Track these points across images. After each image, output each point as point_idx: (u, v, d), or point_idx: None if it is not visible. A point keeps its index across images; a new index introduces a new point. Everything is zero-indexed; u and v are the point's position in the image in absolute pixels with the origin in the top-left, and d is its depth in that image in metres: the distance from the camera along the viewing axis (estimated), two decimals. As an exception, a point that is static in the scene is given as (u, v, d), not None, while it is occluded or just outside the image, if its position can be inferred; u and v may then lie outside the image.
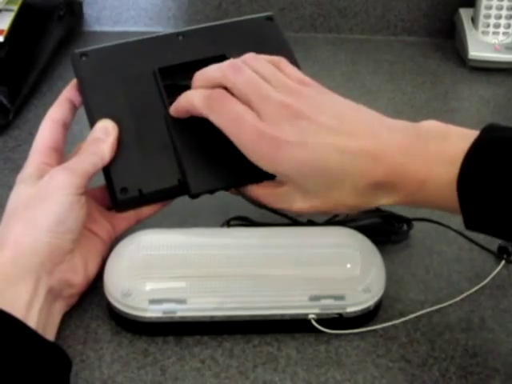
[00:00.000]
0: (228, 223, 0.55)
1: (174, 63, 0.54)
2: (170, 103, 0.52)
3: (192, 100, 0.49)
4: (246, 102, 0.48)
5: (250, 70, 0.49)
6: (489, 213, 0.43)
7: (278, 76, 0.49)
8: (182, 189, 0.50)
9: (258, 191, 0.50)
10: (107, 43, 0.55)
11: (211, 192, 0.50)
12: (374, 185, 0.46)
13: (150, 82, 0.53)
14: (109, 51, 0.54)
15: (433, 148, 0.45)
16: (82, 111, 0.53)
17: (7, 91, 0.69)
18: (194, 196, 0.49)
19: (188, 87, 0.51)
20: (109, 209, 0.53)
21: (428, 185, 0.45)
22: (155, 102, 0.52)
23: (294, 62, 0.55)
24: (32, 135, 0.68)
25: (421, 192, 0.45)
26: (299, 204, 0.48)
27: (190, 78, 0.52)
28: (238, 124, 0.47)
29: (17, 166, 0.63)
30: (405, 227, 0.57)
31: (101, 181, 0.51)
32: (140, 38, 0.55)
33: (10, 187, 0.58)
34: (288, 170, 0.47)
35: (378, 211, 0.56)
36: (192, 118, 0.50)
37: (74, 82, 0.53)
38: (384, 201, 0.47)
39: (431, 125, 0.46)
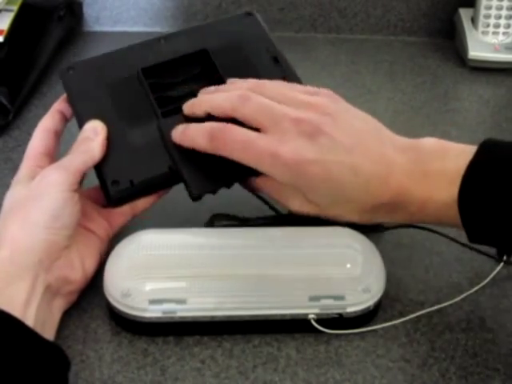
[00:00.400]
0: (212, 221, 0.55)
1: (156, 62, 0.55)
2: (156, 99, 0.53)
3: (196, 140, 0.49)
4: (260, 127, 0.48)
5: (258, 95, 0.49)
6: (491, 227, 0.45)
7: (287, 93, 0.49)
8: (173, 176, 0.51)
9: (262, 182, 0.50)
10: (93, 56, 0.57)
11: (213, 192, 0.50)
12: (378, 205, 0.47)
13: (134, 84, 0.54)
14: (94, 62, 0.56)
15: (433, 168, 0.46)
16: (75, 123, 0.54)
17: (7, 91, 0.69)
18: (196, 198, 0.50)
19: (171, 84, 0.54)
20: (104, 206, 0.53)
21: (428, 205, 0.46)
22: (141, 100, 0.54)
23: (278, 53, 0.56)
24: (32, 135, 0.68)
25: (421, 212, 0.47)
26: (298, 205, 0.49)
27: (173, 75, 0.54)
28: (250, 152, 0.47)
29: (17, 166, 0.63)
30: None
31: (95, 181, 0.52)
32: (123, 47, 0.57)
33: (9, 187, 0.58)
34: (302, 184, 0.47)
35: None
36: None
37: (64, 96, 0.55)
38: (384, 219, 0.49)
39: (431, 143, 0.48)
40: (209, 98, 0.51)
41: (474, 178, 0.45)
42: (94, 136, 0.50)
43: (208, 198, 0.50)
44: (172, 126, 0.51)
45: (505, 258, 0.55)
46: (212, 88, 0.52)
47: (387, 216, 0.48)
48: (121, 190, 0.50)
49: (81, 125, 0.52)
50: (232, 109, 0.48)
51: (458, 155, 0.46)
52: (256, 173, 0.49)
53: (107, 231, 0.52)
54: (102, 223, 0.52)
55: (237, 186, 0.51)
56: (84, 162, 0.49)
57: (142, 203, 0.52)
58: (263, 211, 0.55)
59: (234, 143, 0.47)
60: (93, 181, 0.52)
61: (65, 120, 0.54)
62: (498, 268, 0.54)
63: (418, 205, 0.46)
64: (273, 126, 0.47)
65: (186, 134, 0.50)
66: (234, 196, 0.52)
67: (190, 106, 0.51)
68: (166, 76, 0.55)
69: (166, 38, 0.57)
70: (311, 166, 0.46)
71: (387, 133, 0.49)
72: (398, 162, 0.47)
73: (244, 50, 0.57)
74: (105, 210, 0.53)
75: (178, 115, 0.52)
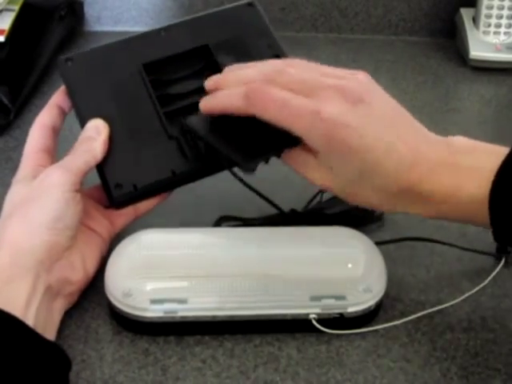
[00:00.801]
0: (219, 223, 0.55)
1: (157, 58, 0.54)
2: (157, 97, 0.52)
3: (230, 101, 0.47)
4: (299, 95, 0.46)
5: (294, 67, 0.47)
6: None
7: (323, 68, 0.48)
8: (176, 180, 0.50)
9: (287, 154, 0.48)
10: (92, 47, 0.55)
11: (266, 160, 0.48)
12: (404, 191, 0.46)
13: (135, 79, 0.53)
14: (93, 54, 0.55)
15: (464, 163, 0.46)
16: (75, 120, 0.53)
17: (8, 91, 0.69)
18: (252, 170, 0.47)
19: (173, 81, 0.53)
20: (106, 207, 0.53)
21: (456, 199, 0.45)
22: (143, 98, 0.53)
23: (277, 46, 0.56)
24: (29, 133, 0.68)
25: (446, 205, 0.46)
26: (318, 177, 0.47)
27: (174, 71, 0.53)
28: (287, 110, 0.45)
29: (17, 166, 0.63)
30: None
31: (97, 180, 0.51)
32: (123, 38, 0.56)
33: (10, 187, 0.58)
34: (333, 149, 0.45)
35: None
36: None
37: (62, 88, 0.54)
38: (408, 209, 0.47)
39: (461, 140, 0.47)
40: (237, 74, 0.48)
41: (507, 176, 0.44)
42: (96, 135, 0.50)
43: (209, 199, 0.50)
44: (196, 121, 0.49)
45: (504, 256, 0.55)
46: (235, 66, 0.50)
47: (412, 206, 0.47)
48: (124, 193, 0.50)
49: (81, 119, 0.51)
50: (268, 81, 0.46)
51: (490, 154, 0.45)
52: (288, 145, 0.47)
53: (109, 231, 0.52)
54: (104, 223, 0.52)
55: (237, 188, 0.51)
56: (86, 161, 0.48)
57: (145, 205, 0.52)
58: (266, 212, 0.55)
59: (271, 102, 0.45)
60: (94, 179, 0.51)
61: (63, 114, 0.54)
62: (499, 267, 0.54)
63: (444, 196, 0.45)
64: (314, 92, 0.45)
65: (219, 98, 0.47)
66: (234, 197, 0.52)
67: (213, 83, 0.49)
68: (168, 72, 0.54)
69: (167, 29, 0.56)
70: (349, 131, 0.44)
71: (419, 124, 0.48)
72: (428, 150, 0.46)
73: (245, 45, 0.56)
74: (107, 210, 0.53)
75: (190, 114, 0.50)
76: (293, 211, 0.56)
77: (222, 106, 0.47)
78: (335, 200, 0.55)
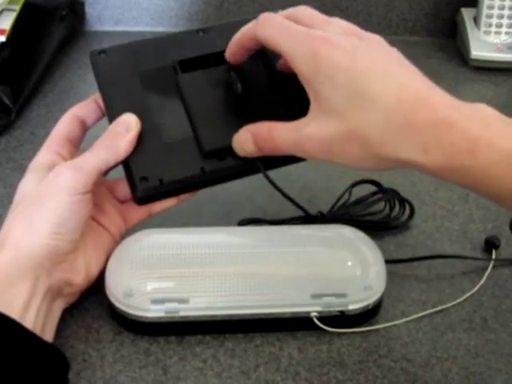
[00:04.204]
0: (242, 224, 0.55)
1: (192, 56, 0.53)
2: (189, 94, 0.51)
3: (242, 30, 0.48)
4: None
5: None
6: None
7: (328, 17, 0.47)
8: (204, 179, 0.49)
9: (273, 125, 0.47)
10: (126, 42, 0.54)
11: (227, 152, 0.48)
12: (408, 128, 0.40)
13: (169, 76, 0.52)
14: (127, 48, 0.53)
15: (490, 113, 0.40)
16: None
17: (9, 91, 0.69)
18: (204, 150, 0.48)
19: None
20: (122, 202, 0.52)
21: (484, 150, 0.38)
22: (175, 95, 0.51)
23: None
24: (34, 135, 0.69)
25: (470, 156, 0.38)
26: (312, 128, 0.44)
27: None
28: (286, 31, 0.44)
29: (19, 166, 0.63)
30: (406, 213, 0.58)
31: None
32: (159, 35, 0.55)
33: (12, 186, 0.58)
34: (324, 73, 0.42)
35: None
36: (206, 89, 0.50)
37: None
38: (413, 154, 0.40)
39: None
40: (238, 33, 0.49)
41: None
42: (125, 131, 0.47)
43: (210, 198, 0.50)
44: (191, 83, 0.49)
45: (494, 255, 0.55)
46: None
47: (422, 150, 0.40)
48: (149, 187, 0.48)
49: (109, 113, 0.50)
50: (254, 28, 0.47)
51: None
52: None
53: (120, 228, 0.51)
54: (117, 219, 0.51)
55: (238, 187, 0.51)
56: (105, 159, 0.46)
57: (161, 204, 0.50)
58: (269, 212, 0.55)
59: (275, 24, 0.45)
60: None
61: (99, 111, 0.52)
62: (491, 266, 0.54)
63: (467, 143, 0.38)
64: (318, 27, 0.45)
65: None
66: (235, 197, 0.52)
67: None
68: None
69: (205, 30, 0.55)
70: (338, 51, 0.42)
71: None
72: (444, 96, 0.40)
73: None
74: (122, 205, 0.51)
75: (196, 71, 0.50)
76: (321, 214, 0.56)
77: (238, 34, 0.48)
78: (360, 202, 0.57)
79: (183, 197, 0.50)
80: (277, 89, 0.50)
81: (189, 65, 0.52)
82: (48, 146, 0.49)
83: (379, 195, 0.58)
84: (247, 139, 0.47)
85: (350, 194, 0.58)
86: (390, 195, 0.59)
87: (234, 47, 0.49)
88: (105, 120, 0.51)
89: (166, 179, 0.48)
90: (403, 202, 0.59)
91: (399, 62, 0.44)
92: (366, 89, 0.41)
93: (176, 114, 0.50)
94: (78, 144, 0.51)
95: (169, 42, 0.54)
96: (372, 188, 0.59)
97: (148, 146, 0.49)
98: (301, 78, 0.45)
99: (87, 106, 0.52)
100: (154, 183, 0.48)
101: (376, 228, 0.57)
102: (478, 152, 0.39)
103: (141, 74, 0.52)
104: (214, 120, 0.50)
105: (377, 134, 0.41)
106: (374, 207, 0.58)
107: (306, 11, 0.47)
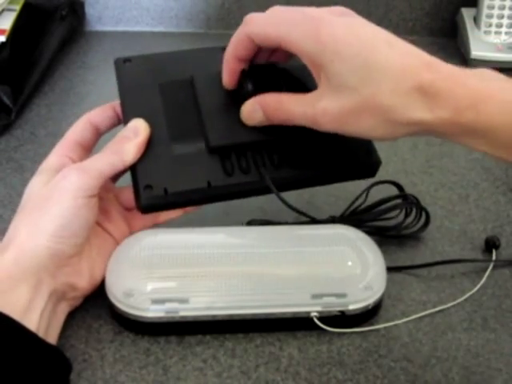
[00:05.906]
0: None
1: (212, 71, 0.53)
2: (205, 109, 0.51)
3: (233, 39, 0.48)
4: None
5: None
6: None
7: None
8: (210, 194, 0.49)
9: (282, 97, 0.47)
10: (152, 53, 0.55)
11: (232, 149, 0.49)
12: (416, 89, 0.41)
13: (187, 89, 0.52)
14: (152, 58, 0.55)
15: (489, 72, 0.43)
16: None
17: (9, 91, 0.69)
18: (211, 145, 0.49)
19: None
20: (127, 209, 0.52)
21: (485, 104, 0.40)
22: (192, 109, 0.51)
23: None
24: (34, 135, 0.69)
25: (473, 109, 0.40)
26: (324, 102, 0.44)
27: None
28: (280, 19, 0.45)
29: (19, 166, 0.64)
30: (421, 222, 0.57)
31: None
32: (185, 49, 0.56)
33: (12, 187, 0.58)
34: (330, 50, 0.43)
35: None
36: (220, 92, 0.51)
37: None
38: (421, 113, 0.42)
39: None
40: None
41: None
42: (133, 136, 0.48)
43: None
44: (204, 82, 0.51)
45: (494, 255, 0.55)
46: None
47: (428, 108, 0.41)
48: (153, 196, 0.47)
49: (125, 120, 0.50)
50: (245, 29, 0.47)
51: None
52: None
53: (124, 235, 0.50)
54: (122, 226, 0.51)
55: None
56: (111, 163, 0.46)
57: (166, 214, 0.51)
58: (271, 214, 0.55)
59: (267, 17, 0.46)
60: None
61: (116, 118, 0.52)
62: (491, 266, 0.54)
63: (470, 98, 0.40)
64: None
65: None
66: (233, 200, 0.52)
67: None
68: (221, 85, 0.52)
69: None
70: (338, 27, 0.43)
71: None
72: (441, 61, 0.43)
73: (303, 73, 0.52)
74: (129, 213, 0.52)
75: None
76: (332, 218, 0.55)
77: (231, 45, 0.48)
78: (376, 207, 0.56)
79: (189, 209, 0.51)
80: (287, 88, 0.50)
81: (206, 79, 0.53)
82: (59, 149, 0.49)
83: (398, 201, 0.57)
84: (256, 109, 0.48)
85: (366, 195, 0.56)
86: (408, 203, 0.57)
87: (231, 62, 0.49)
88: (121, 127, 0.51)
89: (171, 190, 0.48)
90: (421, 210, 0.56)
91: (392, 35, 0.45)
92: (372, 60, 0.42)
93: (189, 126, 0.51)
94: (90, 149, 0.51)
95: (193, 55, 0.55)
96: (391, 189, 0.58)
97: (157, 155, 0.49)
98: (305, 58, 0.45)
99: (103, 112, 0.52)
100: (158, 192, 0.48)
101: (386, 236, 0.56)
102: (479, 105, 0.40)
103: (160, 85, 0.52)
104: (222, 117, 0.50)
105: (388, 100, 0.42)
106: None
107: (282, 7, 0.47)
